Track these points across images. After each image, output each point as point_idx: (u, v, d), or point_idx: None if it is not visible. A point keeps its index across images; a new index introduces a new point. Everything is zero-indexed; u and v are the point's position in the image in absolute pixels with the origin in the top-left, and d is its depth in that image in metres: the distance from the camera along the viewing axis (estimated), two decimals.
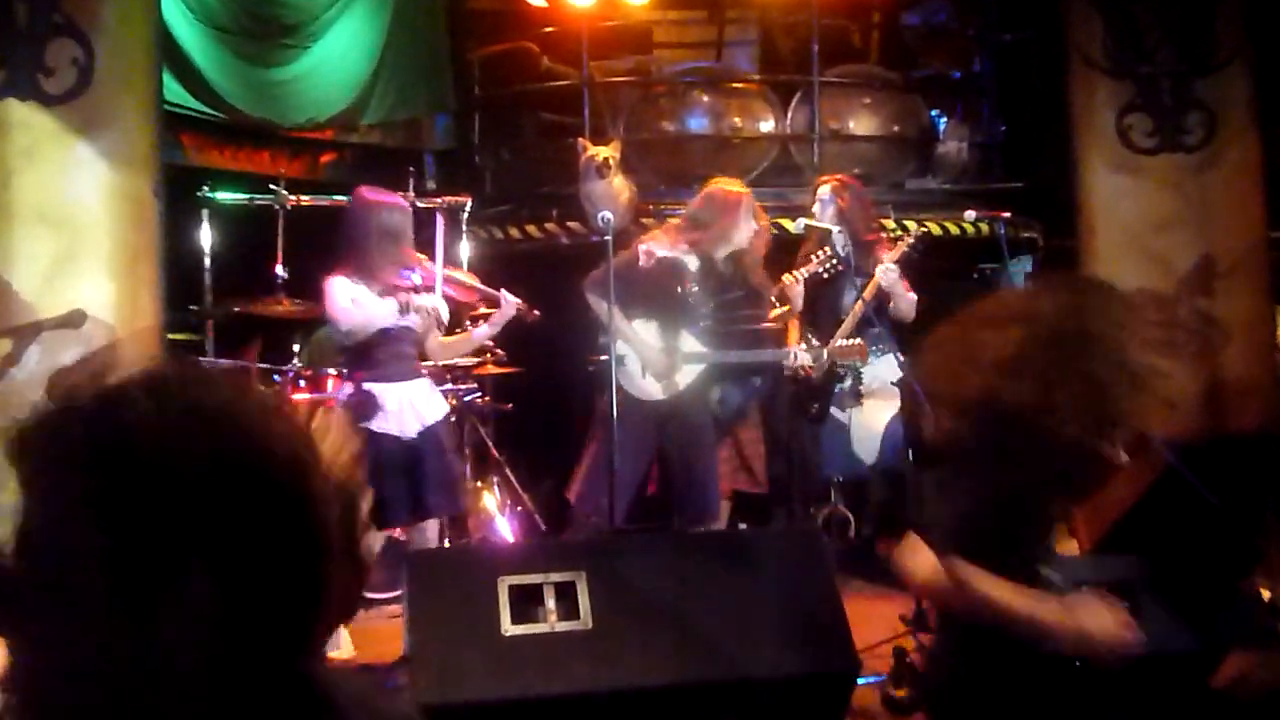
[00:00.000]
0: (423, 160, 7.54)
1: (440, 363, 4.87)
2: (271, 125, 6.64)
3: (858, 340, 4.98)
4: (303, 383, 5.57)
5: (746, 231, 4.92)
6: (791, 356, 4.94)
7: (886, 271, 5.11)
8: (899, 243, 5.22)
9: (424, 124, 7.66)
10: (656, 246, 4.91)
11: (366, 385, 4.46)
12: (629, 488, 4.84)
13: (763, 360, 4.99)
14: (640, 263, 4.88)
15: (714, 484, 4.95)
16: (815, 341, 5.01)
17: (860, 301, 5.09)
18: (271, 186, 5.69)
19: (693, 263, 4.91)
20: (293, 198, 5.64)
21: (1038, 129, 6.99)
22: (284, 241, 5.49)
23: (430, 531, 4.50)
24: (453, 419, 5.93)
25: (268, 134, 6.75)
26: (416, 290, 4.53)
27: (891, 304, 5.18)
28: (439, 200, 6.14)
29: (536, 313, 4.80)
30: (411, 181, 5.95)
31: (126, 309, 5.11)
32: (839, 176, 5.51)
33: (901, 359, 4.88)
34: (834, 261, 5.05)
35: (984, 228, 6.54)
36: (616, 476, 4.53)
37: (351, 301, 4.46)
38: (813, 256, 5.08)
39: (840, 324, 5.17)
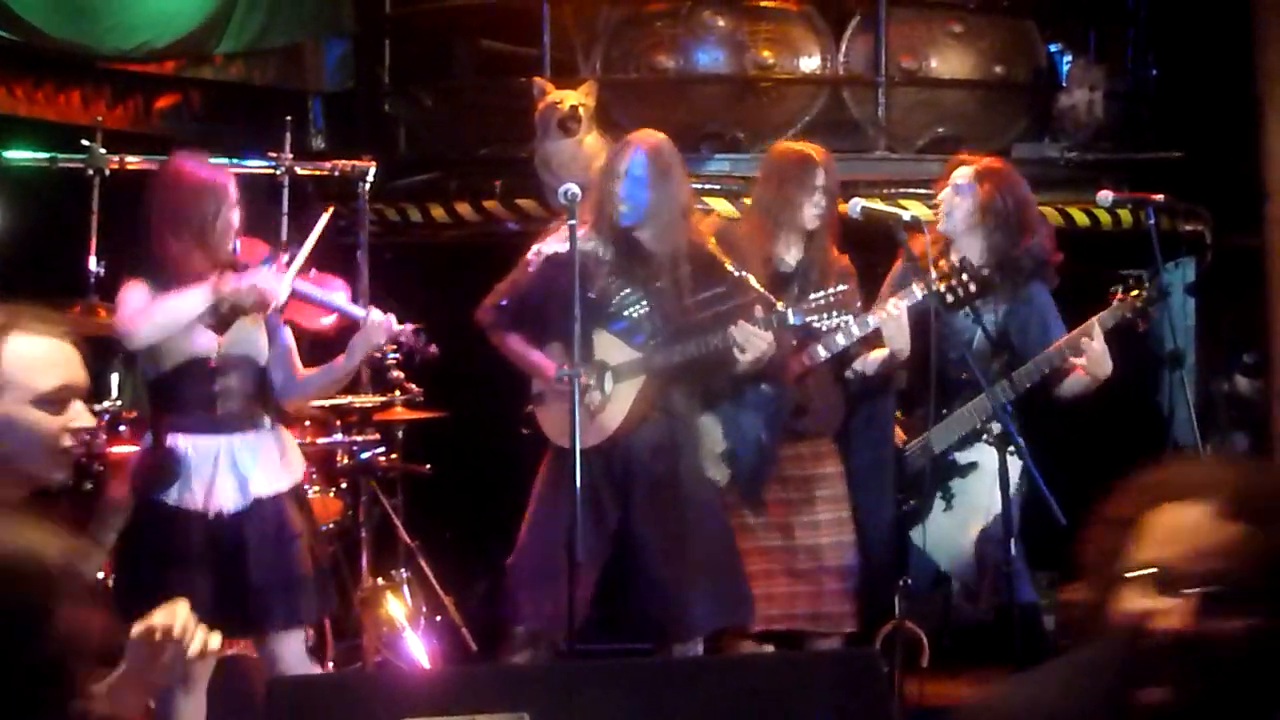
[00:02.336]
0: (306, 106, 7.58)
1: (292, 409, 4.87)
2: (85, 54, 6.62)
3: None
4: (123, 429, 5.59)
5: (667, 184, 4.88)
6: (732, 339, 4.82)
7: (1097, 359, 4.98)
8: (1123, 298, 5.09)
9: (308, 54, 7.68)
10: (549, 244, 4.99)
11: (171, 438, 4.41)
12: (588, 587, 4.84)
13: (708, 350, 4.88)
14: (530, 267, 4.96)
15: (701, 580, 4.93)
16: (780, 305, 4.87)
17: (1035, 368, 5.01)
18: (84, 142, 5.70)
19: (604, 250, 4.95)
20: (114, 158, 5.64)
21: (1206, 74, 7.00)
22: (100, 221, 5.49)
23: (290, 644, 4.50)
24: (341, 487, 5.97)
25: (79, 66, 6.74)
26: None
27: (1065, 387, 5.12)
28: (328, 165, 6.22)
29: (431, 348, 4.74)
30: (289, 137, 6.02)
31: None
32: (983, 158, 5.41)
33: (1022, 446, 4.74)
34: (963, 278, 4.92)
35: (1126, 216, 6.59)
36: (573, 571, 4.48)
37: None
38: (929, 270, 4.92)
39: (959, 392, 5.06)
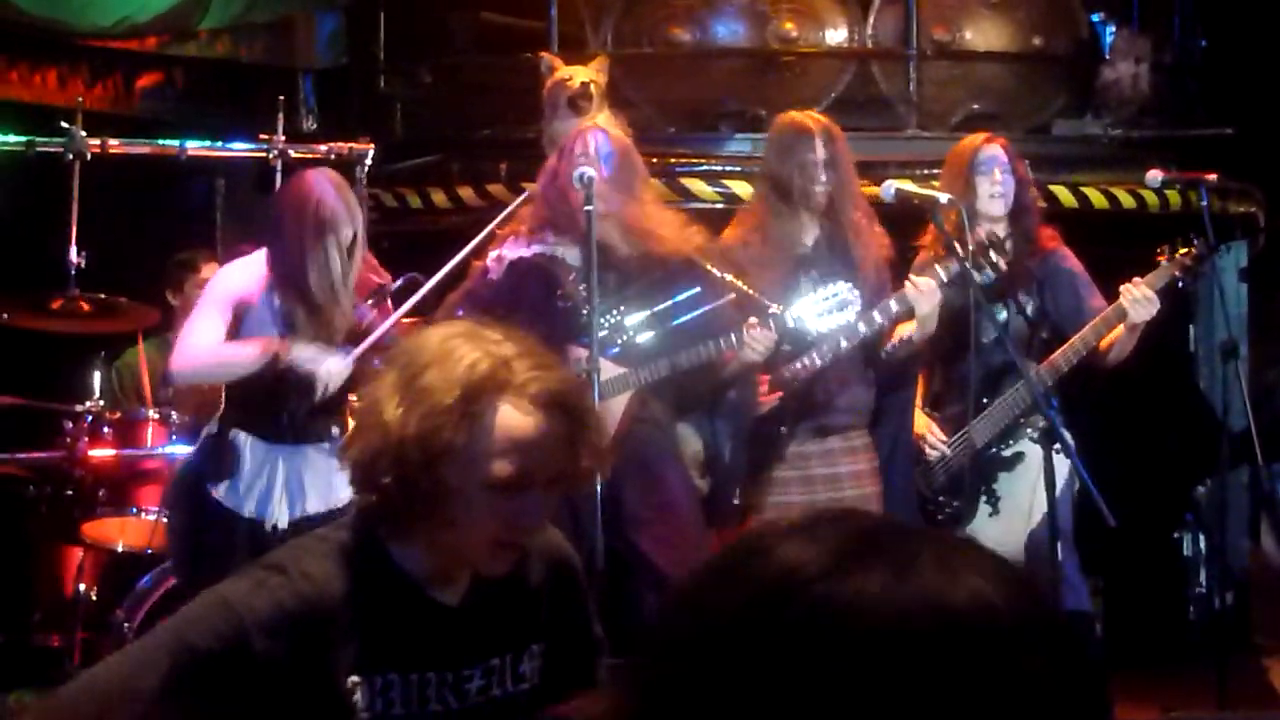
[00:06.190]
0: (297, 85, 7.56)
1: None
2: (62, 31, 6.64)
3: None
4: (107, 431, 5.60)
5: (631, 174, 4.91)
6: (735, 341, 4.78)
7: (1141, 304, 5.00)
8: (1171, 258, 5.12)
9: (299, 29, 7.67)
10: (509, 248, 4.98)
11: (233, 433, 4.46)
12: None
13: (704, 359, 4.83)
14: (489, 274, 4.94)
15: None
16: (773, 307, 4.83)
17: (1081, 344, 5.05)
18: (62, 124, 5.69)
19: (570, 255, 4.94)
20: (95, 141, 5.64)
21: (1258, 45, 7.02)
22: (80, 209, 5.48)
23: None
24: None
25: (56, 44, 6.76)
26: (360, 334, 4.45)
27: (1114, 351, 5.16)
28: (322, 147, 6.11)
29: None
30: (281, 118, 5.96)
31: None
32: (983, 135, 5.44)
33: (1068, 442, 4.78)
34: (991, 256, 4.92)
35: (1175, 198, 6.60)
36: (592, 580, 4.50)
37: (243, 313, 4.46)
38: (954, 245, 4.90)
39: (998, 379, 5.10)
